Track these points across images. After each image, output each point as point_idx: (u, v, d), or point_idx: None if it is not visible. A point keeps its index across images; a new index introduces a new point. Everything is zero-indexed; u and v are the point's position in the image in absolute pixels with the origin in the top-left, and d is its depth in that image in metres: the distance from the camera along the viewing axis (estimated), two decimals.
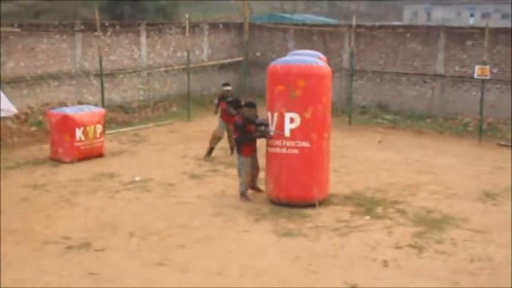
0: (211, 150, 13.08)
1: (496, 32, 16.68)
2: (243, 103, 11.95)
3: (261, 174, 10.53)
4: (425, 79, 18.02)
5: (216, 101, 13.59)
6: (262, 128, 9.83)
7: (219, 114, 13.23)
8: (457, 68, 17.47)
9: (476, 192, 10.90)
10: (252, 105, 10.20)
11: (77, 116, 12.83)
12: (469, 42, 17.20)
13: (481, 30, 16.59)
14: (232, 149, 13.00)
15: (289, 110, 9.57)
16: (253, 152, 10.32)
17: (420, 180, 11.73)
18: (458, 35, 17.44)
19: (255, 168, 10.46)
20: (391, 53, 18.53)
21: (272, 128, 9.69)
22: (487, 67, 15.10)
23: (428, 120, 17.35)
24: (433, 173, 12.30)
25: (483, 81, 15.46)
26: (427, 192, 10.94)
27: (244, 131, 10.08)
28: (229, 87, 13.19)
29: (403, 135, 16.14)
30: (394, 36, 18.51)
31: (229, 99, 12.80)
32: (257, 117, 10.06)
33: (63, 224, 9.10)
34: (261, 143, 10.41)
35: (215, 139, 13.07)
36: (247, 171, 10.24)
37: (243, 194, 10.32)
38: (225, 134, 13.16)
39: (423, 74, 18.03)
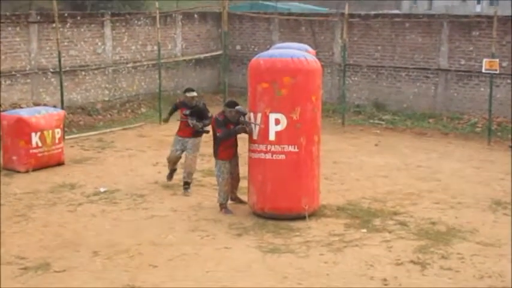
0: (171, 172, 11.91)
1: (506, 20, 16.83)
2: (210, 114, 11.31)
3: (244, 183, 10.53)
4: (427, 74, 18.13)
5: (171, 109, 12.16)
6: (243, 118, 9.78)
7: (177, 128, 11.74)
8: (462, 62, 17.61)
9: (485, 201, 10.97)
10: (233, 105, 10.19)
11: (32, 120, 12.76)
12: (476, 33, 17.34)
13: (489, 18, 16.74)
14: (188, 174, 11.45)
15: (274, 111, 9.58)
16: (232, 157, 10.28)
17: (422, 187, 11.79)
18: (464, 25, 17.58)
19: (235, 177, 10.44)
20: (389, 46, 18.64)
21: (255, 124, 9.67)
22: (496, 60, 15.23)
23: (430, 120, 17.45)
24: (436, 179, 12.37)
25: (492, 76, 15.59)
26: (431, 201, 11.00)
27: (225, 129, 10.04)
28: (193, 93, 11.53)
29: (403, 137, 16.23)
30: (392, 26, 18.61)
31: (187, 112, 11.35)
32: (239, 117, 10.02)
33: (18, 242, 9.02)
34: (241, 150, 10.42)
35: (171, 163, 11.75)
36: (225, 179, 10.21)
37: (222, 206, 10.31)
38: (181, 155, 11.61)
39: (425, 69, 18.14)
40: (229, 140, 10.13)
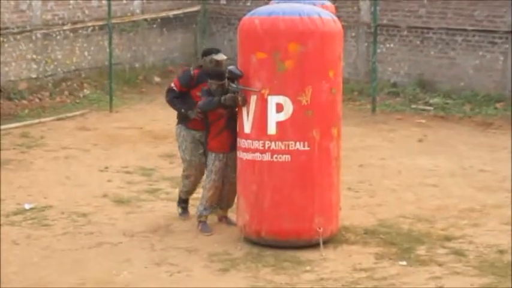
0: (185, 203, 10.98)
1: None
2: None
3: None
4: (494, 39, 18.14)
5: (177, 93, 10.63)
6: (235, 85, 9.71)
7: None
8: None
9: None
10: (220, 76, 10.14)
11: None
12: None
13: None
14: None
15: (274, 92, 9.58)
16: (230, 149, 10.23)
17: (487, 201, 11.82)
18: None
19: (230, 186, 10.41)
20: None
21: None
22: None
23: (498, 105, 17.49)
24: (506, 189, 12.39)
25: None
26: (498, 220, 11.03)
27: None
28: (222, 56, 10.64)
29: (459, 129, 16.28)
30: None
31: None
32: (225, 90, 9.99)
33: None
34: None
35: (192, 182, 10.78)
36: (211, 181, 10.25)
37: (201, 219, 10.36)
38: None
39: (490, 31, 18.16)
40: (220, 119, 10.14)
